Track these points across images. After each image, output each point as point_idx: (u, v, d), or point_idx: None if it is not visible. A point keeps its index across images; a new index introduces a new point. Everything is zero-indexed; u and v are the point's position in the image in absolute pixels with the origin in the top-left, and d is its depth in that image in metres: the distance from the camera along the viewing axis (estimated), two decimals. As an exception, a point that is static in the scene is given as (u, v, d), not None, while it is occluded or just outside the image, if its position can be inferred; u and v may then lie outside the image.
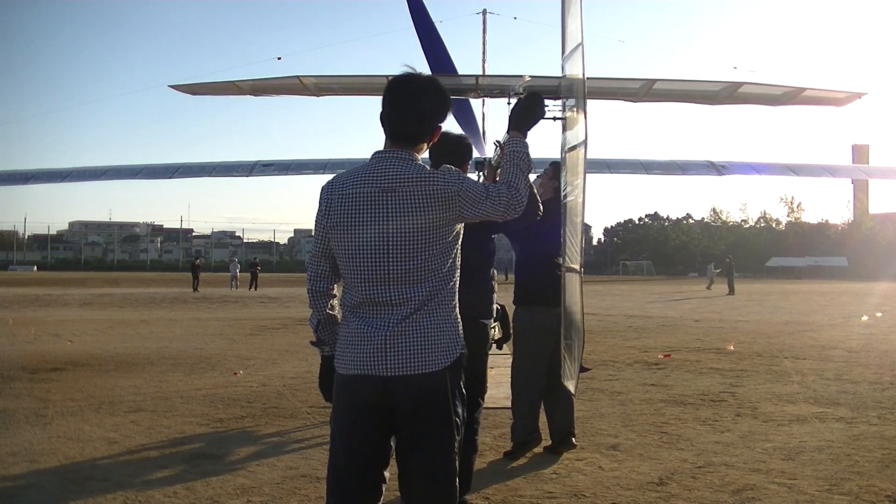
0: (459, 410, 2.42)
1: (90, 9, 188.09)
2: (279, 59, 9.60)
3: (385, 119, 2.42)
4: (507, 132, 2.64)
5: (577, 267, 3.65)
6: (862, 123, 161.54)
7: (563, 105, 3.82)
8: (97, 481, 4.34)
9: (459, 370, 2.41)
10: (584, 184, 3.46)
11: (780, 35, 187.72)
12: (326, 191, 2.41)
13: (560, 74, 3.88)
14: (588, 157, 3.38)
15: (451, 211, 2.33)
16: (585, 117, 3.35)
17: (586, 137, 3.34)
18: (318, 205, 2.43)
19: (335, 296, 2.51)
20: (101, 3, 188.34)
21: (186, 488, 4.21)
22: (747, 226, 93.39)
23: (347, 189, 2.35)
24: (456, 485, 2.40)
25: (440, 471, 2.36)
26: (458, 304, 2.44)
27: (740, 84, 4.55)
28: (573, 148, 3.69)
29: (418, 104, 2.38)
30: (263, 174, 10.04)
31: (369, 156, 2.43)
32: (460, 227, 2.42)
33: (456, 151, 3.56)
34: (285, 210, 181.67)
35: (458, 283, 2.44)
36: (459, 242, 2.44)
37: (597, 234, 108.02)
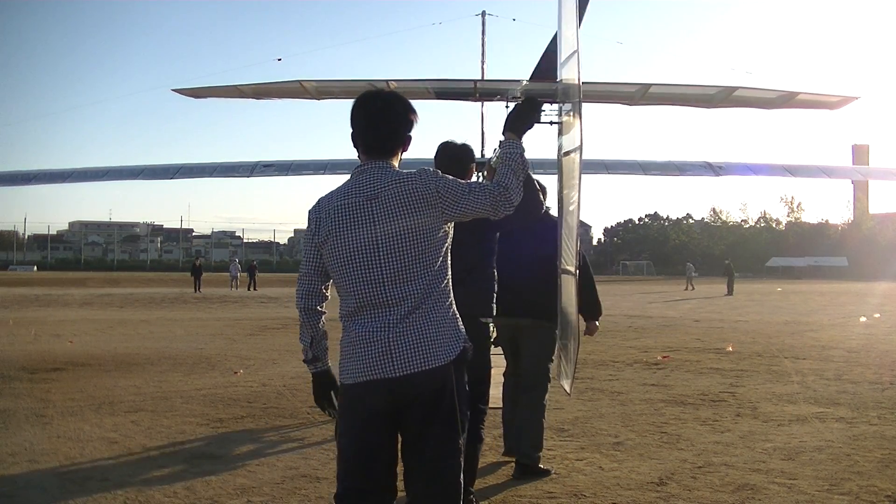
0: (463, 408, 2.46)
1: (91, 9, 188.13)
2: (279, 60, 9.58)
3: (358, 138, 2.51)
4: (503, 133, 2.71)
5: (572, 269, 3.68)
6: (862, 124, 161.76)
7: (560, 110, 3.84)
8: (97, 481, 4.34)
9: (463, 365, 2.45)
10: (580, 188, 3.52)
11: (779, 36, 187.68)
12: (315, 212, 2.50)
13: (557, 79, 3.89)
14: (586, 157, 3.42)
15: (434, 209, 2.39)
16: (581, 123, 3.40)
17: (581, 143, 3.40)
18: (307, 226, 2.53)
19: (325, 312, 2.59)
20: (101, 4, 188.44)
21: (186, 488, 4.22)
22: (747, 226, 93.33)
23: (334, 204, 2.45)
24: (461, 481, 2.44)
25: (445, 468, 2.40)
26: (454, 303, 2.49)
27: (735, 88, 4.59)
28: (568, 153, 3.73)
29: (388, 118, 2.49)
30: (264, 175, 10.00)
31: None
32: (449, 228, 2.47)
33: (458, 158, 3.70)
34: (285, 210, 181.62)
35: (450, 282, 2.49)
36: (449, 243, 2.48)
37: (597, 234, 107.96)
